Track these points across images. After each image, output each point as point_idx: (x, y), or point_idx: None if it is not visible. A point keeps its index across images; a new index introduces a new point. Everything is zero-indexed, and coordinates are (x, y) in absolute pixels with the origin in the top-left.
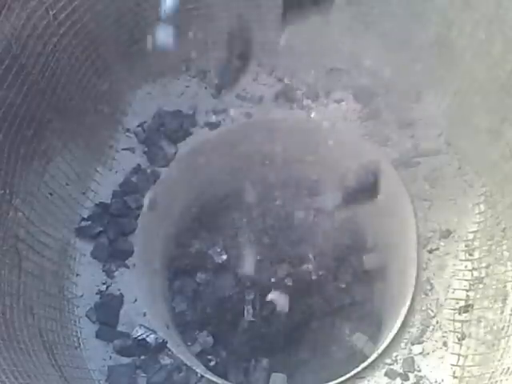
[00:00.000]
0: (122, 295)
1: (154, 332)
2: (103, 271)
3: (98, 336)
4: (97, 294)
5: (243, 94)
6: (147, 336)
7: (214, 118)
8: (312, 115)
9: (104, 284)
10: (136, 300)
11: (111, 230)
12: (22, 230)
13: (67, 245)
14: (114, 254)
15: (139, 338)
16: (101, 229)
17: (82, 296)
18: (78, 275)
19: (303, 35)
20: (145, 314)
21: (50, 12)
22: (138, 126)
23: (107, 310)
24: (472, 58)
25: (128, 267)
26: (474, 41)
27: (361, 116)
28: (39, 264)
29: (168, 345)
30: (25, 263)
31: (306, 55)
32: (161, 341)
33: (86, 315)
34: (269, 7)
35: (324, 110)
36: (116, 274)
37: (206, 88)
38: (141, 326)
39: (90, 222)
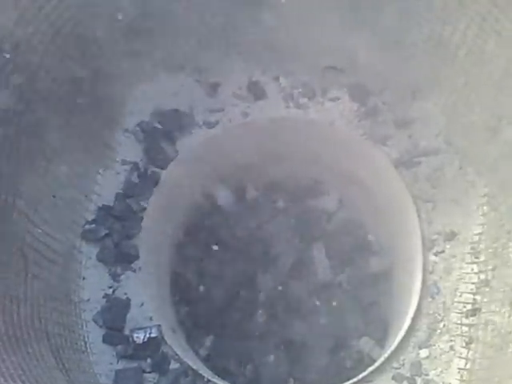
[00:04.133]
0: (128, 299)
1: (145, 329)
2: (109, 275)
3: (104, 340)
4: (103, 297)
5: (239, 93)
6: (136, 336)
7: (210, 118)
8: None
9: (110, 288)
10: (143, 304)
11: (116, 232)
12: (27, 233)
13: (73, 248)
14: (120, 257)
15: (136, 340)
16: (106, 231)
17: (88, 300)
18: (84, 279)
19: (298, 34)
20: (151, 318)
21: (42, 11)
22: (137, 125)
23: (114, 314)
24: (466, 55)
25: (134, 271)
26: (467, 38)
27: (358, 115)
28: (45, 267)
29: (174, 348)
30: (31, 267)
31: (301, 54)
32: (150, 336)
33: (93, 319)
34: (265, 5)
35: (321, 108)
36: (122, 277)
37: (201, 87)
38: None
39: (94, 225)
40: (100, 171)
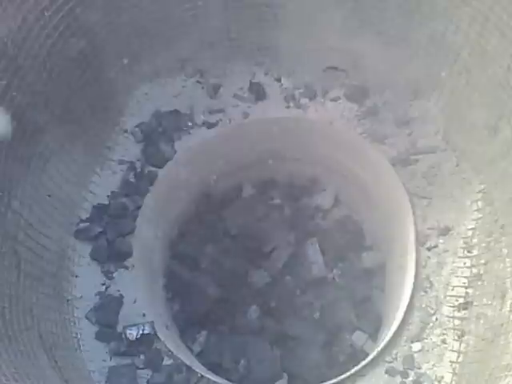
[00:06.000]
0: (121, 296)
1: (138, 325)
2: (102, 272)
3: (97, 337)
4: (96, 295)
5: (240, 94)
6: (129, 333)
7: (211, 118)
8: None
9: (103, 285)
10: (135, 301)
11: (110, 231)
12: (21, 231)
13: (66, 246)
14: (113, 255)
15: (128, 337)
16: (100, 230)
17: (81, 297)
18: (77, 277)
19: (299, 34)
20: (144, 315)
21: (46, 13)
22: (136, 126)
23: (107, 312)
24: (468, 55)
25: (127, 268)
26: (470, 37)
27: (358, 114)
28: (38, 266)
29: (168, 344)
30: (24, 265)
31: (302, 54)
32: (143, 333)
33: (86, 317)
34: (265, 7)
35: (321, 108)
36: (115, 275)
37: (202, 88)
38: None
39: (88, 224)
40: (97, 171)
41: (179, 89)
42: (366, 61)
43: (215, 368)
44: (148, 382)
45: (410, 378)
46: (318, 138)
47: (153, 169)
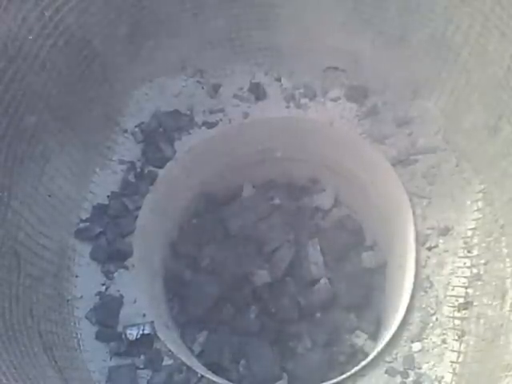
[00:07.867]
0: (121, 296)
1: (138, 325)
2: (102, 272)
3: (97, 337)
4: (96, 295)
5: (240, 94)
6: (129, 333)
7: (211, 118)
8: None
9: (103, 285)
10: (135, 301)
11: (110, 231)
12: (21, 231)
13: (66, 246)
14: (113, 255)
15: (129, 337)
16: (100, 230)
17: (81, 297)
18: (77, 277)
19: (299, 34)
20: (144, 315)
21: (46, 13)
22: (136, 126)
23: (107, 312)
24: (469, 54)
25: (127, 268)
26: (470, 37)
27: (358, 114)
28: (38, 266)
29: (168, 345)
30: (24, 265)
31: (302, 54)
32: (143, 333)
33: (86, 317)
34: (265, 7)
35: (321, 108)
36: (115, 275)
37: (202, 88)
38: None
39: (88, 224)
40: (97, 171)
41: (179, 89)
42: (366, 61)
43: (215, 368)
44: (148, 382)
45: (410, 378)
46: (318, 138)
47: (153, 169)
